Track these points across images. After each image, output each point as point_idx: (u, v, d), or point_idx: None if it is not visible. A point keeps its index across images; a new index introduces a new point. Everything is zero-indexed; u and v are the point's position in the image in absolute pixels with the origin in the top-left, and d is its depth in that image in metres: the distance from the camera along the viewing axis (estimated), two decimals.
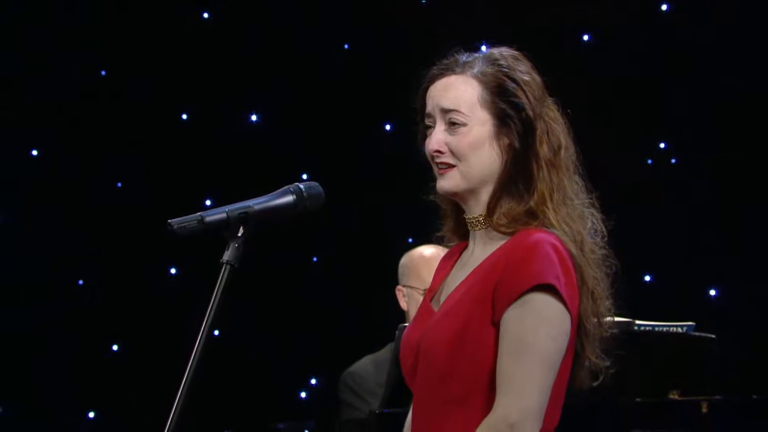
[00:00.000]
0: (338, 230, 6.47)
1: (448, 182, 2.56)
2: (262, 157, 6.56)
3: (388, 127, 6.74)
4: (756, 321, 6.28)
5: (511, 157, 2.54)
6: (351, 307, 6.51)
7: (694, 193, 6.49)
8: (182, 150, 6.74)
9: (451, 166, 2.55)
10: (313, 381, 6.74)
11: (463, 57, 2.60)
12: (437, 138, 2.56)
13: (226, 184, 6.45)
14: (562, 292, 2.44)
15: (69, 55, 6.66)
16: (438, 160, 2.57)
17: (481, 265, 2.53)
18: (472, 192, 2.57)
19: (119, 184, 6.76)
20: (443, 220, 2.70)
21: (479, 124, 2.54)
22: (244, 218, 2.43)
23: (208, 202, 6.62)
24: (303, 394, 6.74)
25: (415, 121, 2.65)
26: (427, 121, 2.60)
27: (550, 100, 2.61)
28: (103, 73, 6.74)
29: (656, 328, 4.16)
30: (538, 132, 2.54)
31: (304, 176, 6.42)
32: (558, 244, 2.48)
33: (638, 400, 4.02)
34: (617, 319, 2.65)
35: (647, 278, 6.54)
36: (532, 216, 2.53)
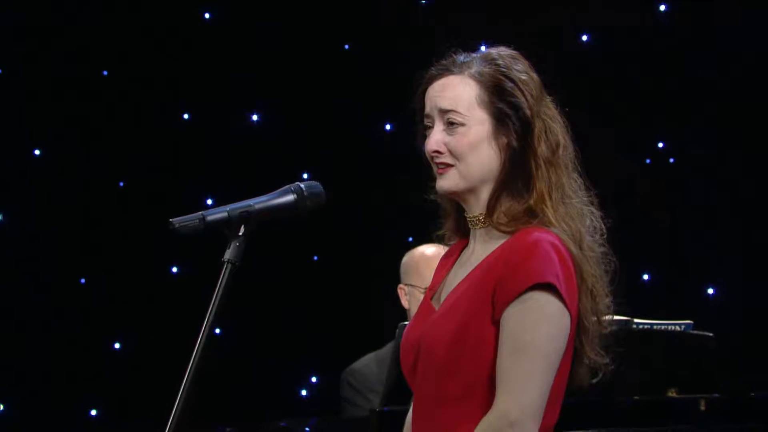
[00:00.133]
0: (339, 229, 6.48)
1: (447, 182, 2.57)
2: (263, 157, 6.56)
3: (388, 127, 6.75)
4: (753, 319, 6.30)
5: (509, 156, 2.55)
6: (351, 306, 6.52)
7: (691, 193, 6.50)
8: (184, 149, 6.76)
9: (450, 165, 2.56)
10: (314, 379, 6.76)
11: (461, 57, 2.60)
12: (436, 138, 2.56)
13: (228, 183, 6.46)
14: (562, 291, 2.44)
15: (70, 55, 6.67)
16: (437, 161, 2.57)
17: (481, 263, 2.54)
18: (471, 191, 2.58)
19: (121, 184, 6.77)
20: (444, 218, 2.70)
21: (477, 124, 2.55)
22: (245, 217, 2.44)
23: (209, 201, 6.64)
24: (303, 392, 6.75)
25: (415, 121, 2.65)
26: (426, 122, 2.60)
27: (548, 99, 2.61)
28: (105, 72, 6.74)
29: (654, 327, 4.17)
30: (536, 131, 2.54)
31: (305, 176, 6.44)
32: (558, 243, 2.48)
33: (636, 398, 4.01)
34: (616, 317, 2.65)
35: (645, 277, 6.56)
36: (532, 214, 2.53)
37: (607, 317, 2.59)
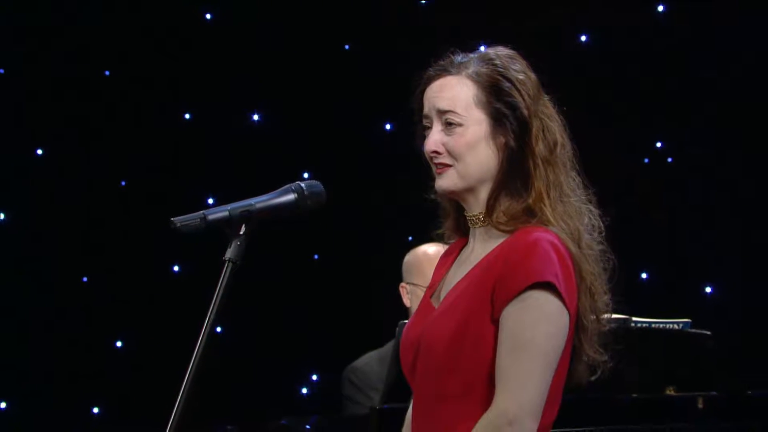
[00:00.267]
0: (339, 228, 6.49)
1: (445, 182, 2.58)
2: (264, 156, 6.57)
3: (388, 127, 6.76)
4: (751, 318, 6.30)
5: (507, 156, 2.55)
6: (351, 305, 6.52)
7: (690, 192, 6.51)
8: (185, 149, 6.77)
9: (449, 165, 2.57)
10: (315, 377, 6.77)
11: (459, 57, 2.61)
12: (434, 139, 2.57)
13: (229, 182, 6.47)
14: (561, 290, 2.45)
15: (71, 55, 6.68)
16: (435, 161, 2.58)
17: (480, 262, 2.55)
18: (470, 191, 2.58)
19: (123, 183, 6.78)
20: (443, 217, 2.71)
21: (475, 124, 2.55)
22: (246, 216, 2.44)
23: (210, 201, 6.65)
24: (304, 390, 6.76)
25: (414, 121, 2.66)
26: (425, 122, 2.61)
27: (545, 98, 2.61)
28: (107, 72, 6.76)
29: (652, 325, 4.17)
30: (533, 130, 2.55)
31: (306, 175, 6.45)
32: (557, 241, 2.49)
33: (634, 396, 4.01)
34: (614, 316, 2.65)
35: (644, 276, 6.56)
36: (531, 213, 2.54)
37: (606, 315, 2.59)
